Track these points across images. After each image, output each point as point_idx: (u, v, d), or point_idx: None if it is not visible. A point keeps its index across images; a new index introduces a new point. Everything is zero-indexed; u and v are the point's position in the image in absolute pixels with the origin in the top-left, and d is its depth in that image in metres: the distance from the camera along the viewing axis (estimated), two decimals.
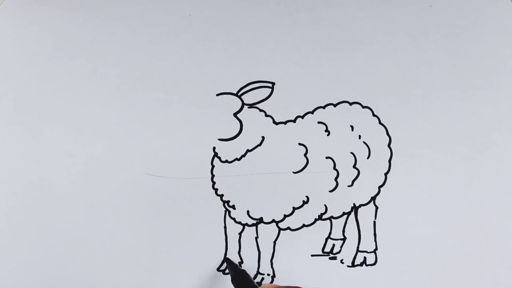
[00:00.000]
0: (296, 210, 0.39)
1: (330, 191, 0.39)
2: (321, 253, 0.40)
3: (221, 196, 0.38)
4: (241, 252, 0.39)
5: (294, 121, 0.40)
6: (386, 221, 0.40)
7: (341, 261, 0.40)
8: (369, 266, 0.40)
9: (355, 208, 0.40)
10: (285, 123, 0.40)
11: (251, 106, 0.40)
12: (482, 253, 0.38)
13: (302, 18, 0.43)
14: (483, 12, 0.44)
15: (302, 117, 0.40)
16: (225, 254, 0.38)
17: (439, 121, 0.40)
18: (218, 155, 0.39)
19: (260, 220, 0.39)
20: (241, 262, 0.39)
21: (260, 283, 0.33)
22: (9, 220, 0.37)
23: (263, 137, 0.40)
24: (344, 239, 0.40)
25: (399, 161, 0.40)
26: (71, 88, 0.40)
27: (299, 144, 0.40)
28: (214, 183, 0.39)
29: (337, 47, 0.42)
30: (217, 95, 0.40)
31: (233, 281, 0.34)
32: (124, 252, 0.37)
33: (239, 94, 0.40)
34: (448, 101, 0.41)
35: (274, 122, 0.40)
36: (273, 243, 0.39)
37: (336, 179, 0.39)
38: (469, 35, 0.43)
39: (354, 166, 0.39)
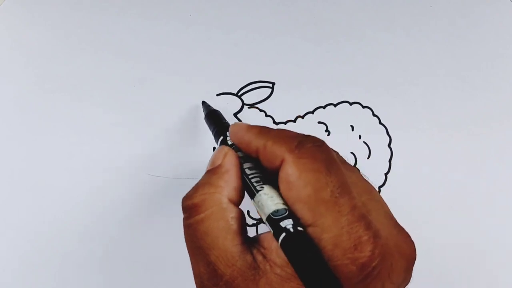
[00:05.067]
0: None
1: None
2: None
3: None
4: None
5: (294, 121, 0.40)
6: None
7: None
8: None
9: None
10: (285, 123, 0.40)
11: (251, 106, 0.40)
12: (483, 254, 0.38)
13: (302, 18, 0.43)
14: (483, 12, 0.44)
15: (302, 117, 0.40)
16: None
17: (439, 121, 0.40)
18: None
19: (260, 220, 0.39)
20: None
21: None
22: (9, 220, 0.37)
23: None
24: None
25: (399, 161, 0.40)
26: (71, 88, 0.40)
27: None
28: None
29: (337, 48, 0.42)
30: (217, 95, 0.40)
31: (206, 118, 0.34)
32: (123, 252, 0.37)
33: (239, 94, 0.40)
34: (448, 101, 0.41)
35: (274, 122, 0.40)
36: None
37: None
38: (469, 35, 0.43)
39: (354, 166, 0.39)
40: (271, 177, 0.22)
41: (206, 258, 0.20)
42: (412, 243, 0.21)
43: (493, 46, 0.43)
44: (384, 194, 0.40)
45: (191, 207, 0.21)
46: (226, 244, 0.20)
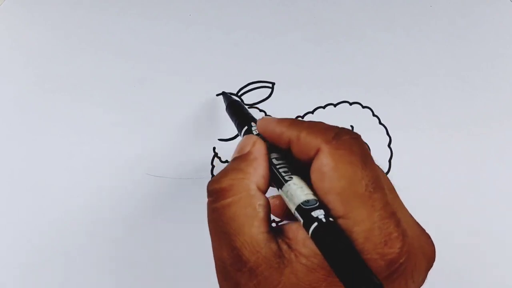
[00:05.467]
0: None
1: None
2: None
3: None
4: None
5: None
6: None
7: None
8: None
9: None
10: None
11: (251, 106, 0.40)
12: (483, 254, 0.38)
13: (302, 18, 0.43)
14: (483, 12, 0.44)
15: (302, 117, 0.40)
16: None
17: (439, 121, 0.40)
18: (218, 155, 0.39)
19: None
20: None
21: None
22: (9, 220, 0.37)
23: None
24: None
25: (399, 161, 0.40)
26: (71, 88, 0.40)
27: None
28: None
29: (337, 48, 0.42)
30: (217, 95, 0.40)
31: (227, 108, 0.34)
32: (123, 252, 0.37)
33: (239, 94, 0.40)
34: (448, 101, 0.41)
35: None
36: None
37: None
38: (469, 35, 0.43)
39: None
40: (298, 169, 0.22)
41: (231, 244, 0.20)
42: (433, 244, 0.21)
43: (493, 46, 0.43)
44: None
45: (218, 191, 0.21)
46: (253, 231, 0.20)
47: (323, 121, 0.22)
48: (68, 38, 0.41)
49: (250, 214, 0.20)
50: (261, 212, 0.20)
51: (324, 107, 0.40)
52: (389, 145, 0.40)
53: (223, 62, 0.41)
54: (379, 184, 0.19)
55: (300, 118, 0.40)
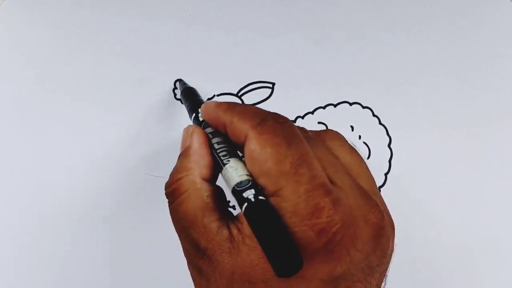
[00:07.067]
0: None
1: None
2: None
3: None
4: None
5: (294, 121, 0.40)
6: None
7: None
8: None
9: None
10: None
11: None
12: (483, 254, 0.38)
13: (302, 18, 0.43)
14: (483, 12, 0.44)
15: (302, 117, 0.40)
16: None
17: (439, 121, 0.40)
18: None
19: None
20: None
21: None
22: (9, 220, 0.37)
23: None
24: None
25: (399, 161, 0.40)
26: (72, 88, 0.40)
27: None
28: None
29: (337, 47, 0.42)
30: (217, 95, 0.40)
31: (181, 94, 0.35)
32: (124, 252, 0.37)
33: (239, 94, 0.40)
34: (448, 101, 0.41)
35: None
36: None
37: None
38: (469, 35, 0.43)
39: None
40: (240, 150, 0.22)
41: (189, 236, 0.22)
42: (380, 212, 0.21)
43: (493, 46, 0.43)
44: (384, 194, 0.40)
45: (171, 193, 0.23)
46: (205, 221, 0.21)
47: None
48: (68, 38, 0.41)
49: (199, 206, 0.22)
50: (210, 202, 0.22)
51: (324, 107, 0.40)
52: (389, 145, 0.40)
53: (223, 62, 0.41)
54: (305, 159, 0.20)
55: (300, 117, 0.40)
